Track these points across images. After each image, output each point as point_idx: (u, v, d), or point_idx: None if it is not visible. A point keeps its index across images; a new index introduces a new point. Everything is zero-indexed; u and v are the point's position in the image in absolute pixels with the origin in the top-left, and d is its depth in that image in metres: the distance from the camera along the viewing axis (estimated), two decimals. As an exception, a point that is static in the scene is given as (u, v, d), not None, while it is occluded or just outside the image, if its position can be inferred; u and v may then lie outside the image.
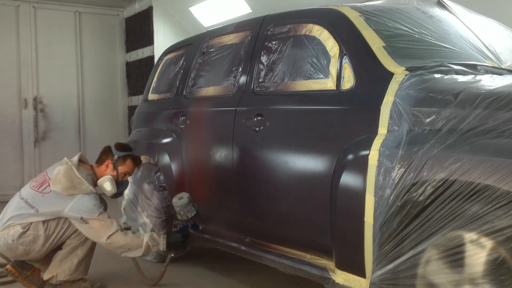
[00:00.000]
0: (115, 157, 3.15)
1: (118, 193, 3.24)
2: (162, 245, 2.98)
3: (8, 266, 3.02)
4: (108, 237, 2.86)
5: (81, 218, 2.86)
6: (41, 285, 3.06)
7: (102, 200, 3.20)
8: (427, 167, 1.78)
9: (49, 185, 2.94)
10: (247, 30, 3.11)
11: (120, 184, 3.20)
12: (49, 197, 2.91)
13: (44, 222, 2.89)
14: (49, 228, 2.90)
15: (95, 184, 3.09)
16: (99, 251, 3.27)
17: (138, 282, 3.29)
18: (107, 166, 3.14)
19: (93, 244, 3.05)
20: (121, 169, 3.17)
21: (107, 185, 3.10)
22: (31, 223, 2.88)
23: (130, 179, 3.79)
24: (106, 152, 3.19)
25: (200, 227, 3.14)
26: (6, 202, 3.14)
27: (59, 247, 3.01)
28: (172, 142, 3.44)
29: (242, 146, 2.85)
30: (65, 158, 3.05)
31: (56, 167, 3.04)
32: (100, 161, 3.19)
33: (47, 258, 3.03)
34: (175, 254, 3.13)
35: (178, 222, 3.24)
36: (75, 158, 3.07)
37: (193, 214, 3.00)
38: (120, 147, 3.23)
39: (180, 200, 2.99)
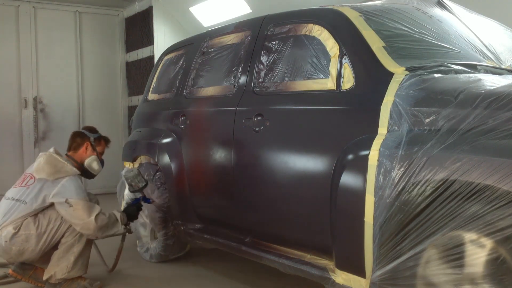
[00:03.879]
0: (92, 138, 3.31)
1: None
2: (125, 217, 3.16)
3: (10, 271, 3.13)
4: (96, 217, 2.93)
5: (66, 201, 2.92)
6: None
7: (93, 197, 3.32)
8: (427, 167, 1.78)
9: (31, 177, 3.05)
10: (247, 30, 3.11)
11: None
12: (34, 186, 3.00)
13: (34, 220, 2.94)
14: (40, 226, 2.94)
15: (77, 169, 3.18)
16: (101, 251, 3.27)
17: (138, 281, 3.29)
18: (86, 148, 3.28)
19: (89, 241, 3.08)
20: (99, 149, 3.36)
21: (94, 164, 3.28)
22: (22, 222, 2.92)
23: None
24: (81, 136, 3.33)
25: (151, 200, 3.44)
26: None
27: (56, 247, 3.02)
28: (172, 142, 3.44)
29: (242, 146, 2.85)
30: (41, 153, 3.18)
31: (33, 164, 3.16)
32: (75, 146, 3.30)
33: (48, 259, 3.05)
34: (130, 228, 3.29)
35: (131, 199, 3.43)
36: (51, 149, 3.21)
37: (143, 184, 3.29)
38: (92, 129, 3.42)
39: (131, 172, 3.31)
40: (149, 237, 3.78)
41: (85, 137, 3.31)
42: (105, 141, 3.43)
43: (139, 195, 3.36)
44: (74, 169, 3.09)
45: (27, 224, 2.92)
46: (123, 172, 3.65)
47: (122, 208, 3.92)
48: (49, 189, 2.96)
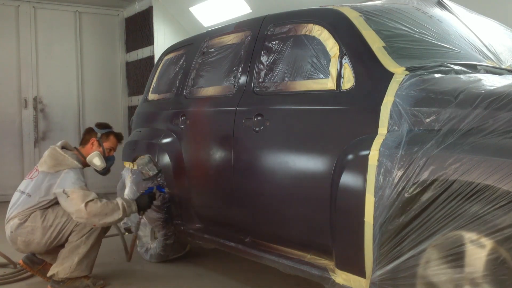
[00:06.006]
0: (99, 134, 3.31)
1: (107, 168, 3.36)
2: (134, 206, 3.10)
3: (20, 262, 3.19)
4: (86, 203, 2.91)
5: (63, 191, 2.95)
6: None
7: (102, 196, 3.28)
8: (427, 167, 1.78)
9: (36, 170, 3.11)
10: (247, 30, 3.11)
11: (108, 160, 3.34)
12: (37, 179, 3.05)
13: (42, 213, 2.97)
14: (47, 220, 2.97)
15: (83, 164, 3.21)
16: (102, 251, 3.27)
17: (138, 281, 3.29)
18: (92, 143, 3.29)
19: (96, 243, 3.08)
20: (106, 144, 3.33)
21: (96, 160, 3.25)
22: (30, 214, 2.97)
23: (129, 179, 3.81)
24: (89, 132, 3.35)
25: (165, 190, 3.35)
26: (6, 202, 3.18)
27: (63, 245, 3.04)
28: (172, 142, 3.44)
29: (242, 146, 2.85)
30: (50, 146, 3.21)
31: None
32: (84, 142, 3.34)
33: (57, 254, 3.08)
34: (143, 216, 3.30)
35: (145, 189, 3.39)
36: (59, 143, 3.23)
37: (155, 172, 3.27)
38: (101, 125, 3.40)
39: (141, 160, 3.27)
40: (149, 237, 3.78)
41: (92, 132, 3.33)
42: (116, 137, 3.40)
43: (151, 183, 3.32)
44: (75, 162, 3.10)
45: (34, 217, 2.97)
46: (123, 171, 3.65)
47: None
48: (52, 182, 2.99)
